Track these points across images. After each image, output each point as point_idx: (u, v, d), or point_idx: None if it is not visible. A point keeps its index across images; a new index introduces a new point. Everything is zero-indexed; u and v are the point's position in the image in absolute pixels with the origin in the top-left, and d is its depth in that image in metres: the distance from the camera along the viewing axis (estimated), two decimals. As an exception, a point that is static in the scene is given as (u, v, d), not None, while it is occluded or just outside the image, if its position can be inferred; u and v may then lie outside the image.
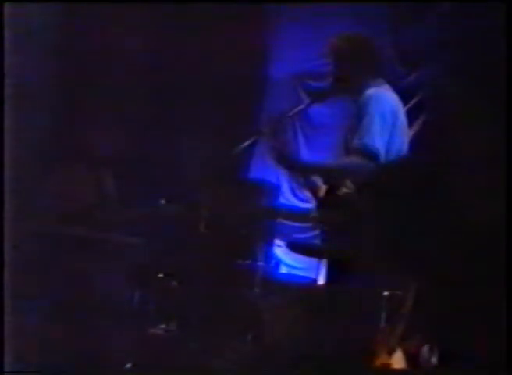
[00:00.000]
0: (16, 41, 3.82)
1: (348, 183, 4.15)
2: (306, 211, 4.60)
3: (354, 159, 4.03)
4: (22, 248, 4.29)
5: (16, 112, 3.80)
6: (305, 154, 5.98)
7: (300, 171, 4.34)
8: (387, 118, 4.10)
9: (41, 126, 5.55)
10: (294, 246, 5.96)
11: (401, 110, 4.31)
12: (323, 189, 4.40)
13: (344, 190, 4.18)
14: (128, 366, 5.14)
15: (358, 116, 4.12)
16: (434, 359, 4.36)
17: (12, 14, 3.71)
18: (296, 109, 4.45)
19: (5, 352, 3.57)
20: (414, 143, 5.53)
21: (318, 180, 4.44)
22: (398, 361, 4.64)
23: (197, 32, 6.37)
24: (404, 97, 4.65)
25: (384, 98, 4.18)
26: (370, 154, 4.00)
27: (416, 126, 5.74)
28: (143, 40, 6.39)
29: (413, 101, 5.79)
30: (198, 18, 6.23)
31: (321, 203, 4.36)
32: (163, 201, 5.94)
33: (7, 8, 3.68)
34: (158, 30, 6.40)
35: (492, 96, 4.45)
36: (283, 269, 6.63)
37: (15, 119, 3.77)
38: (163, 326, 5.75)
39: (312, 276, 5.76)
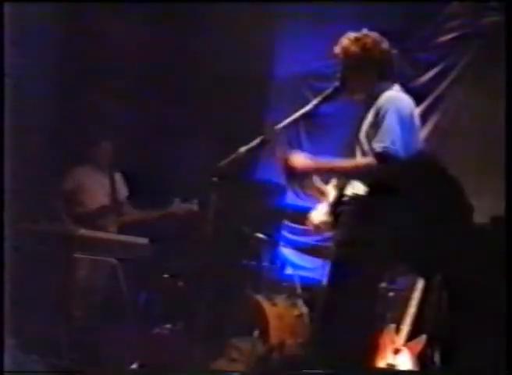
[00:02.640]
0: (16, 41, 3.82)
1: (356, 184, 4.13)
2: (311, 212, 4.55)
3: (372, 161, 3.99)
4: (23, 248, 4.30)
5: (16, 111, 3.80)
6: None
7: (314, 172, 4.28)
8: (406, 120, 4.06)
9: (41, 126, 5.56)
10: (299, 246, 5.98)
11: (415, 111, 4.29)
12: (332, 194, 4.36)
13: (352, 191, 4.16)
14: (134, 366, 5.14)
15: (377, 118, 4.08)
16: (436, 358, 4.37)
17: (12, 14, 3.71)
18: (302, 111, 4.42)
19: (5, 352, 3.57)
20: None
21: (320, 184, 4.41)
22: (404, 361, 4.64)
23: (200, 33, 6.36)
24: (413, 99, 4.63)
25: (402, 99, 4.15)
26: (391, 157, 3.96)
27: (427, 129, 5.73)
28: (145, 40, 6.39)
29: (424, 104, 5.80)
30: (201, 18, 6.23)
31: (330, 208, 4.32)
32: (177, 201, 5.96)
33: (7, 8, 3.69)
34: (160, 31, 6.39)
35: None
36: (289, 270, 6.62)
37: (15, 118, 3.77)
38: (169, 326, 5.78)
39: (318, 277, 5.75)
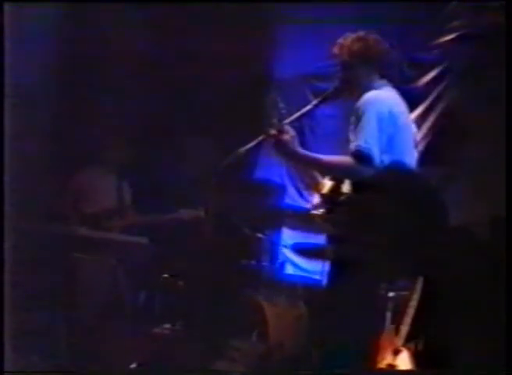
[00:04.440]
0: (16, 41, 3.82)
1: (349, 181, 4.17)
2: (310, 211, 4.58)
3: (347, 160, 4.04)
4: (23, 248, 4.29)
5: (15, 112, 3.80)
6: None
7: (293, 160, 4.35)
8: (385, 120, 4.09)
9: (41, 127, 5.57)
10: (299, 247, 5.96)
11: (403, 110, 4.30)
12: (327, 186, 4.39)
13: (347, 187, 4.19)
14: (133, 365, 5.15)
15: (356, 119, 4.12)
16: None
17: (12, 14, 3.71)
18: (303, 111, 4.45)
19: (5, 352, 3.57)
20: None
21: (319, 177, 4.45)
22: (403, 361, 4.63)
23: (201, 33, 6.37)
24: (412, 100, 4.63)
25: (381, 99, 4.17)
26: (364, 157, 4.00)
27: (425, 129, 5.74)
28: (145, 40, 6.39)
29: (423, 104, 5.80)
30: (201, 18, 6.23)
31: (325, 202, 4.35)
32: (183, 211, 5.98)
33: (7, 8, 3.70)
34: (160, 32, 6.39)
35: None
36: (290, 270, 6.63)
37: (15, 119, 3.77)
38: (168, 326, 5.78)
39: (318, 277, 5.75)
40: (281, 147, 4.12)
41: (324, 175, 4.31)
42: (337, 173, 4.15)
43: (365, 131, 4.02)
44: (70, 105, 6.02)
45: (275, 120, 4.19)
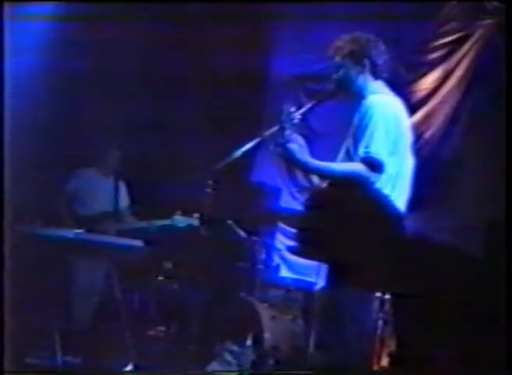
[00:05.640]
0: (15, 41, 3.82)
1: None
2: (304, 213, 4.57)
3: (359, 167, 4.02)
4: (22, 249, 4.28)
5: (15, 113, 3.80)
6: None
7: (303, 169, 4.32)
8: (391, 126, 4.07)
9: (41, 128, 5.57)
10: (294, 250, 5.97)
11: (405, 114, 4.30)
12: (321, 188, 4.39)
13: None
14: (129, 367, 5.14)
15: (361, 123, 4.10)
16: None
17: (12, 14, 3.71)
18: (298, 112, 4.44)
19: (4, 352, 3.57)
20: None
21: (316, 181, 4.44)
22: (397, 364, 4.64)
23: (198, 33, 6.37)
24: (407, 102, 4.63)
25: (387, 105, 4.15)
26: (375, 164, 3.99)
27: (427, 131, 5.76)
28: (143, 40, 6.40)
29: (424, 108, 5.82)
30: (200, 18, 6.23)
31: (318, 204, 4.35)
32: (178, 214, 5.96)
33: (7, 8, 3.69)
34: (158, 32, 6.39)
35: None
36: (284, 272, 6.64)
37: (15, 120, 3.77)
38: (163, 328, 5.77)
39: (313, 279, 5.76)
40: (290, 156, 4.10)
41: (334, 182, 4.26)
42: (348, 179, 4.11)
43: (374, 137, 4.00)
44: (68, 108, 6.02)
45: (287, 131, 4.16)
